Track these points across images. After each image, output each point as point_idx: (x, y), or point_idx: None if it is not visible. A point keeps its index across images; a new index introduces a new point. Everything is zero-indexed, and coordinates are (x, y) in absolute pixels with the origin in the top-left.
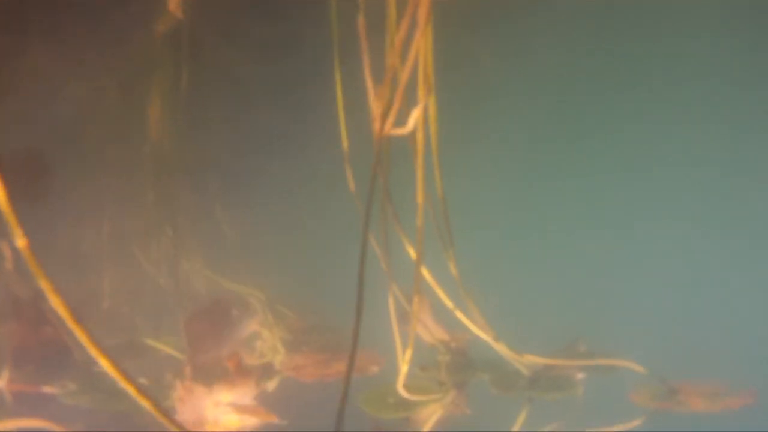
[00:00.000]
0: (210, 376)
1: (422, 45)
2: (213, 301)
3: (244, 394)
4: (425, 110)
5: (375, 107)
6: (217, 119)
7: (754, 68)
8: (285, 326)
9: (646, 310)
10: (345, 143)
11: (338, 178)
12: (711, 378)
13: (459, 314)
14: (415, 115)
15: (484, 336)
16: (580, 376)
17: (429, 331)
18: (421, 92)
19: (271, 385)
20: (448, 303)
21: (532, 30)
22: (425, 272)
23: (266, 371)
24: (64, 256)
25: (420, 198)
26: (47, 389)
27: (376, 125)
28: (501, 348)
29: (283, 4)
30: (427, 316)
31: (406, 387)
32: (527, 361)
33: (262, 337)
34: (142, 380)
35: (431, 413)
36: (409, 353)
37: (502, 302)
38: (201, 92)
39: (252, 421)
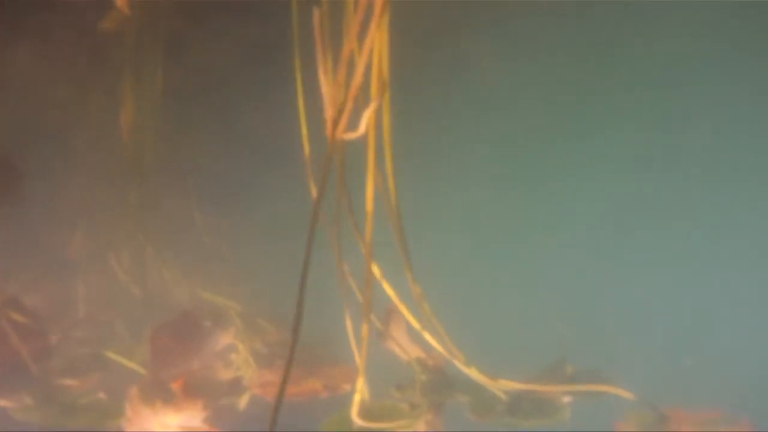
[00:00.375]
0: (158, 396)
1: (377, 37)
2: (181, 313)
3: (191, 416)
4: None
5: (328, 109)
6: (196, 123)
7: (752, 71)
8: (261, 339)
9: (636, 328)
10: (306, 149)
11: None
12: (706, 404)
13: (427, 335)
14: (366, 116)
15: (450, 358)
16: (566, 399)
17: (403, 348)
18: (374, 90)
19: (242, 402)
20: (415, 323)
21: (501, 33)
22: (390, 290)
23: (233, 388)
24: (37, 265)
25: (369, 209)
26: (1, 402)
27: (329, 128)
28: (473, 372)
29: (265, 5)
30: (402, 332)
31: (374, 410)
32: (506, 385)
33: (238, 350)
34: (102, 395)
35: None
36: (361, 381)
37: (483, 320)
38: (179, 95)
39: None
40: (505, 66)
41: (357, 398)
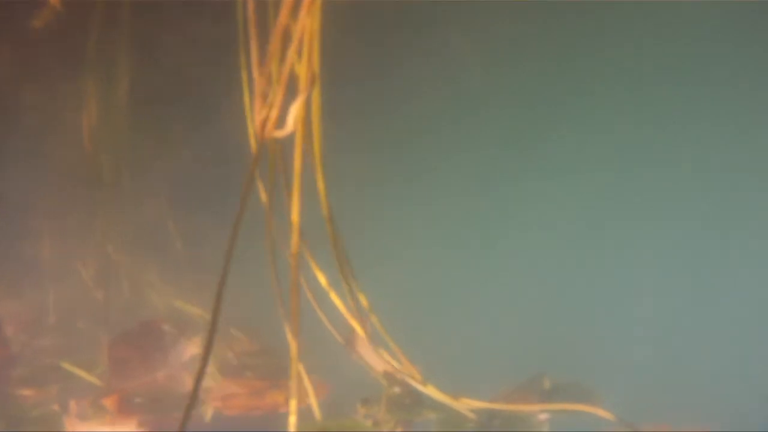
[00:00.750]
0: (98, 411)
1: (308, 25)
2: (142, 323)
3: None
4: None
5: (256, 105)
6: (165, 125)
7: (744, 69)
8: (231, 349)
9: (615, 340)
10: (254, 148)
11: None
12: (687, 423)
13: (380, 352)
14: (294, 111)
15: (400, 375)
16: (542, 417)
17: (371, 361)
18: (302, 82)
19: (207, 414)
20: (367, 338)
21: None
22: (338, 302)
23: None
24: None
25: (295, 216)
26: None
27: (257, 125)
28: (431, 391)
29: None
30: (365, 345)
31: (331, 428)
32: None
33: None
34: (56, 407)
35: None
36: (294, 403)
37: (446, 334)
38: (146, 96)
39: None
40: (483, 65)
41: (292, 420)
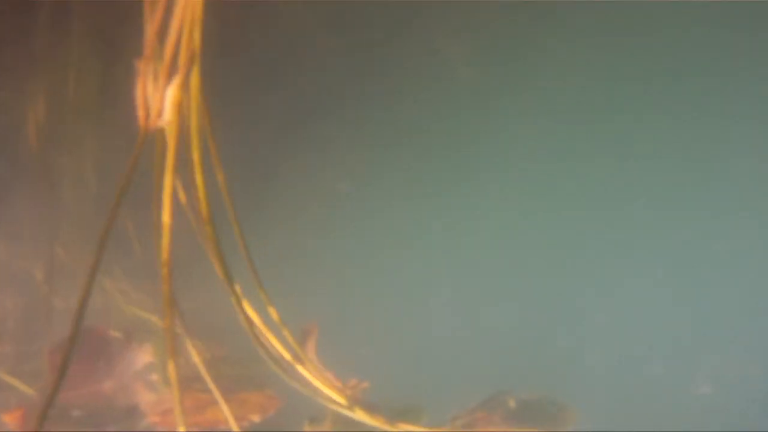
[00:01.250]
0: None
1: None
2: (85, 329)
3: None
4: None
5: (139, 89)
6: (123, 122)
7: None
8: (184, 358)
9: (594, 349)
10: (139, 138)
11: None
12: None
13: (301, 370)
14: (171, 96)
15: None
16: None
17: (316, 376)
18: (182, 60)
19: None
20: (286, 355)
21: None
22: (253, 314)
23: (129, 414)
24: None
25: (166, 217)
26: None
27: (141, 114)
28: (360, 415)
29: None
30: (314, 357)
31: None
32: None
33: (157, 370)
34: None
35: None
36: (183, 428)
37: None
38: (101, 92)
39: None
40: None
41: None
